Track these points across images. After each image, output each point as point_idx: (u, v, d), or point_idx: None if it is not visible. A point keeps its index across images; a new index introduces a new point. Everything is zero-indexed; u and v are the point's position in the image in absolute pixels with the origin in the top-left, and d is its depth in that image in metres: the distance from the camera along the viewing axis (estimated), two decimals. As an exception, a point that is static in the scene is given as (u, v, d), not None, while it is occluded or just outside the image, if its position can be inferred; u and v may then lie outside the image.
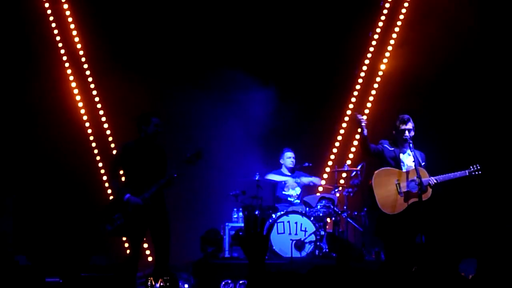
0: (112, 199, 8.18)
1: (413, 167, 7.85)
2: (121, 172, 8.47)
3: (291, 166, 11.05)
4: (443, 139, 10.99)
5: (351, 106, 11.92)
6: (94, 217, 8.37)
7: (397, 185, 7.82)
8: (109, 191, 11.04)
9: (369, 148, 8.03)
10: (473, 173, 7.98)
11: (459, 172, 7.95)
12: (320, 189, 11.67)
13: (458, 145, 10.88)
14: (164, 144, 11.06)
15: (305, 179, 10.93)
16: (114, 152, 10.84)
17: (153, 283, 7.53)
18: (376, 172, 8.03)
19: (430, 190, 7.80)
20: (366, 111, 11.83)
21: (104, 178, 11.26)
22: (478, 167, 7.98)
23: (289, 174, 11.07)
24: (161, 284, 7.55)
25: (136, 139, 8.41)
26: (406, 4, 11.84)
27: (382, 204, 7.86)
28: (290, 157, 11.05)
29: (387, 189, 7.88)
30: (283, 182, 10.96)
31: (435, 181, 7.82)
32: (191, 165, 8.39)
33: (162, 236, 8.26)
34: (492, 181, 10.65)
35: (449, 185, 8.26)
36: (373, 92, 11.86)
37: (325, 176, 11.83)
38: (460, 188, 10.29)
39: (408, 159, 8.00)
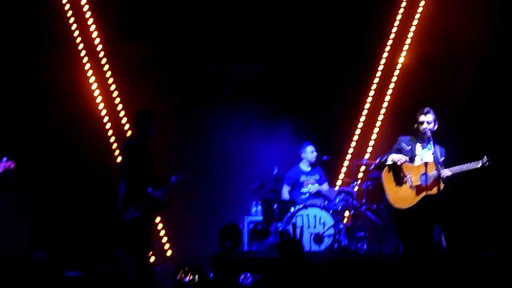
0: (125, 192, 8.12)
1: (425, 161, 7.83)
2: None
3: (314, 160, 11.00)
4: (462, 132, 10.92)
5: (369, 99, 11.87)
6: (111, 208, 8.38)
7: (409, 179, 7.78)
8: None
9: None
10: (485, 164, 7.89)
11: (472, 163, 7.85)
12: (339, 182, 11.64)
13: (477, 138, 10.79)
14: (182, 140, 11.11)
15: (313, 187, 10.91)
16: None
17: (183, 276, 7.55)
18: (385, 168, 8.01)
19: (442, 183, 7.73)
20: (384, 104, 11.79)
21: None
22: (488, 158, 7.88)
23: (309, 169, 11.01)
24: (190, 277, 7.58)
25: (139, 137, 8.30)
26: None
27: (393, 199, 7.83)
28: (313, 151, 10.97)
29: (398, 184, 7.85)
30: (301, 181, 10.93)
31: (449, 173, 7.75)
32: (190, 176, 8.41)
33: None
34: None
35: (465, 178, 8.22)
36: (392, 85, 11.81)
37: (344, 169, 11.80)
38: (476, 181, 10.29)
39: (427, 153, 7.92)
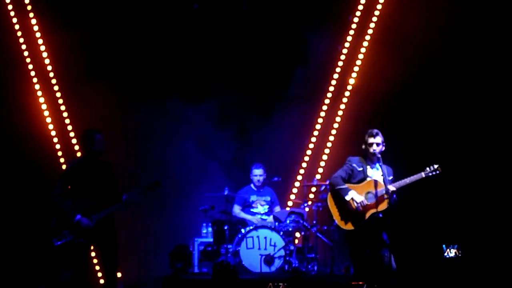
0: (60, 214, 8.02)
1: (370, 179, 7.90)
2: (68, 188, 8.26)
3: (259, 184, 10.99)
4: (411, 150, 11.00)
5: (320, 120, 11.90)
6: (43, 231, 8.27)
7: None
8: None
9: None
10: (431, 174, 7.94)
11: (414, 176, 7.92)
12: (290, 203, 11.64)
13: (427, 155, 10.87)
14: (130, 158, 10.99)
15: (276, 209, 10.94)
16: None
17: None
18: (329, 192, 8.08)
19: (388, 202, 7.78)
20: (335, 125, 11.82)
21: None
22: (435, 167, 7.94)
23: (259, 189, 11.01)
24: None
25: (84, 156, 8.35)
26: (374, 19, 11.85)
27: (341, 221, 7.90)
28: (256, 175, 10.99)
29: (343, 205, 7.90)
30: (250, 200, 10.92)
31: (393, 188, 7.83)
32: (150, 192, 8.30)
33: (111, 258, 8.12)
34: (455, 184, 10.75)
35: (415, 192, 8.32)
36: (342, 106, 11.85)
37: (295, 190, 11.80)
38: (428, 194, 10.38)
39: (376, 173, 8.01)
